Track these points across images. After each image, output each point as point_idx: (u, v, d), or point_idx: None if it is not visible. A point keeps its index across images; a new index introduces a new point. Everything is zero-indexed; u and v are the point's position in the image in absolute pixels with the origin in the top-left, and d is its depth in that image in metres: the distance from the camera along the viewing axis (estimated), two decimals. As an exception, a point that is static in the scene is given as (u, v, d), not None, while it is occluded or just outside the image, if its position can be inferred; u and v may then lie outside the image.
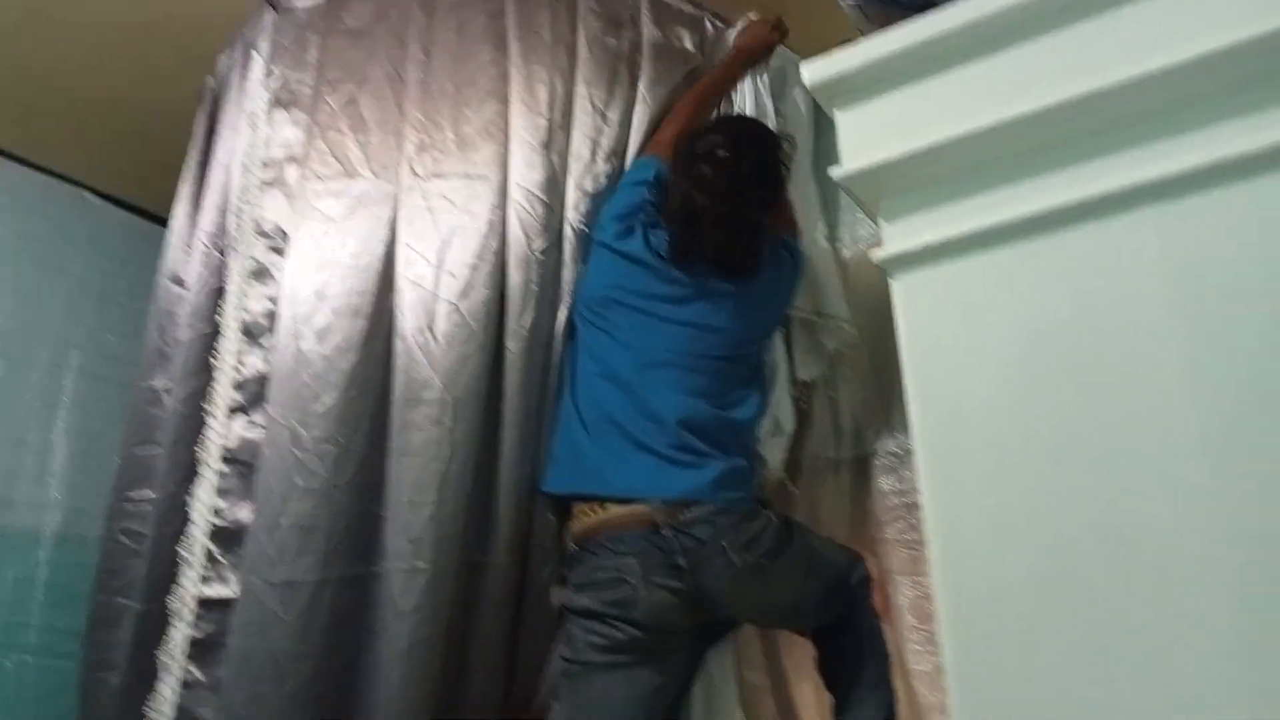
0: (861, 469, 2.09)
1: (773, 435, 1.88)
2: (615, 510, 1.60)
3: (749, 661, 2.05)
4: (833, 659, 1.71)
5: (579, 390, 1.75)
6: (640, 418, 1.65)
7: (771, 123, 2.10)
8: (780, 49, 2.19)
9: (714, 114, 2.05)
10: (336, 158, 1.90)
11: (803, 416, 2.12)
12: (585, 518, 1.63)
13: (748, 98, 2.14)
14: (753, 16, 2.22)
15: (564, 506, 1.72)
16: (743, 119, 2.00)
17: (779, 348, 1.96)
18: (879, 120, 0.91)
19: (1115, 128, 0.79)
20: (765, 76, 2.16)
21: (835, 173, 0.94)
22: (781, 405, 1.91)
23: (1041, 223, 0.81)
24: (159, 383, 2.02)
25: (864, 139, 0.91)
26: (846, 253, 2.06)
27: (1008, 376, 0.82)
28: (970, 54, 0.86)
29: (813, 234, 2.08)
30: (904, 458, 1.87)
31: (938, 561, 0.82)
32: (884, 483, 1.95)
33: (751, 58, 2.14)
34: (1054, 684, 0.75)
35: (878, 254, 0.90)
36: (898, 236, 0.89)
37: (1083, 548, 0.75)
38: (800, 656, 2.01)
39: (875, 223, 0.91)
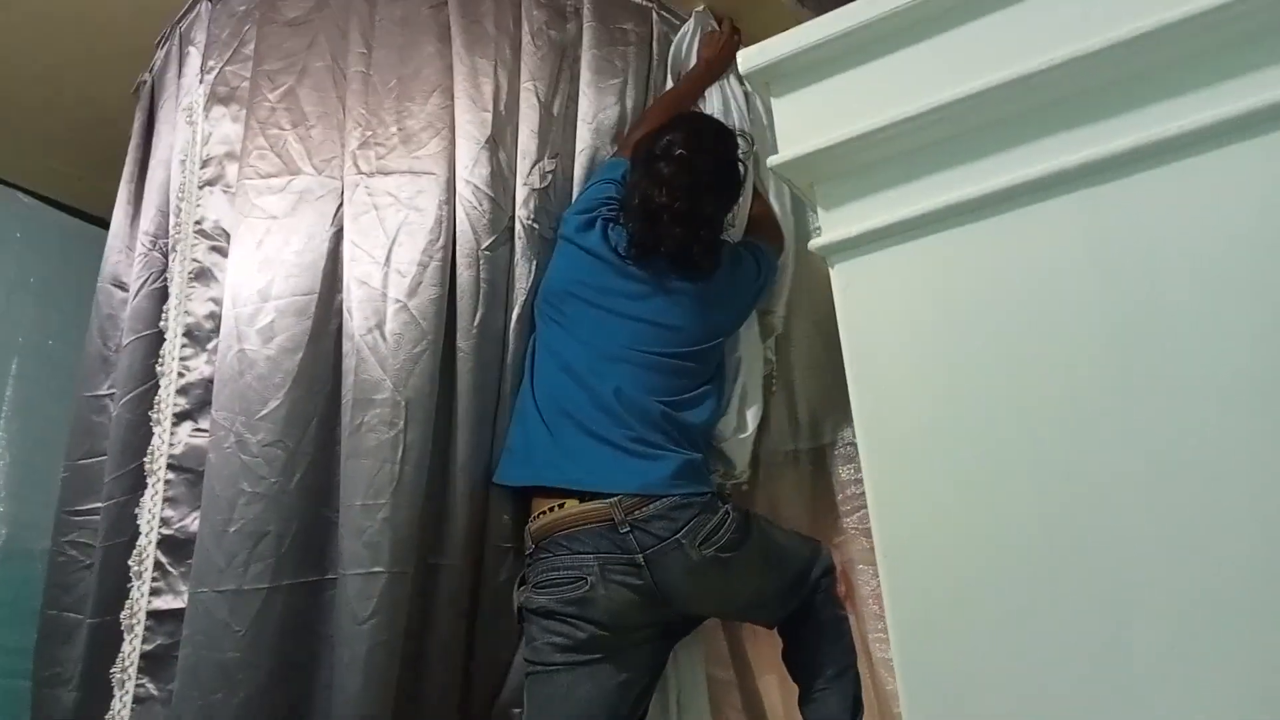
0: (820, 459, 2.09)
1: (736, 433, 1.87)
2: (572, 508, 1.58)
3: (714, 656, 2.04)
4: (797, 650, 1.71)
5: (536, 382, 1.74)
6: (596, 410, 1.64)
7: (745, 127, 2.09)
8: None
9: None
10: (277, 154, 1.86)
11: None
12: (543, 516, 1.61)
13: (715, 103, 2.11)
14: (704, 16, 2.20)
15: (522, 506, 1.70)
16: (700, 116, 2.00)
17: (751, 346, 1.95)
18: (813, 107, 0.90)
19: (1042, 112, 0.80)
20: (734, 83, 2.13)
21: (771, 160, 0.93)
22: (748, 403, 1.90)
23: (973, 207, 0.81)
24: (102, 390, 1.98)
25: (799, 126, 0.90)
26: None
27: (943, 359, 0.82)
28: (900, 40, 0.85)
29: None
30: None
31: (880, 542, 0.83)
32: (843, 472, 1.96)
33: (721, 66, 2.14)
34: (995, 667, 0.76)
35: (815, 242, 0.89)
36: (834, 224, 0.89)
37: (1016, 526, 0.76)
38: (765, 650, 2.01)
39: (813, 210, 0.90)
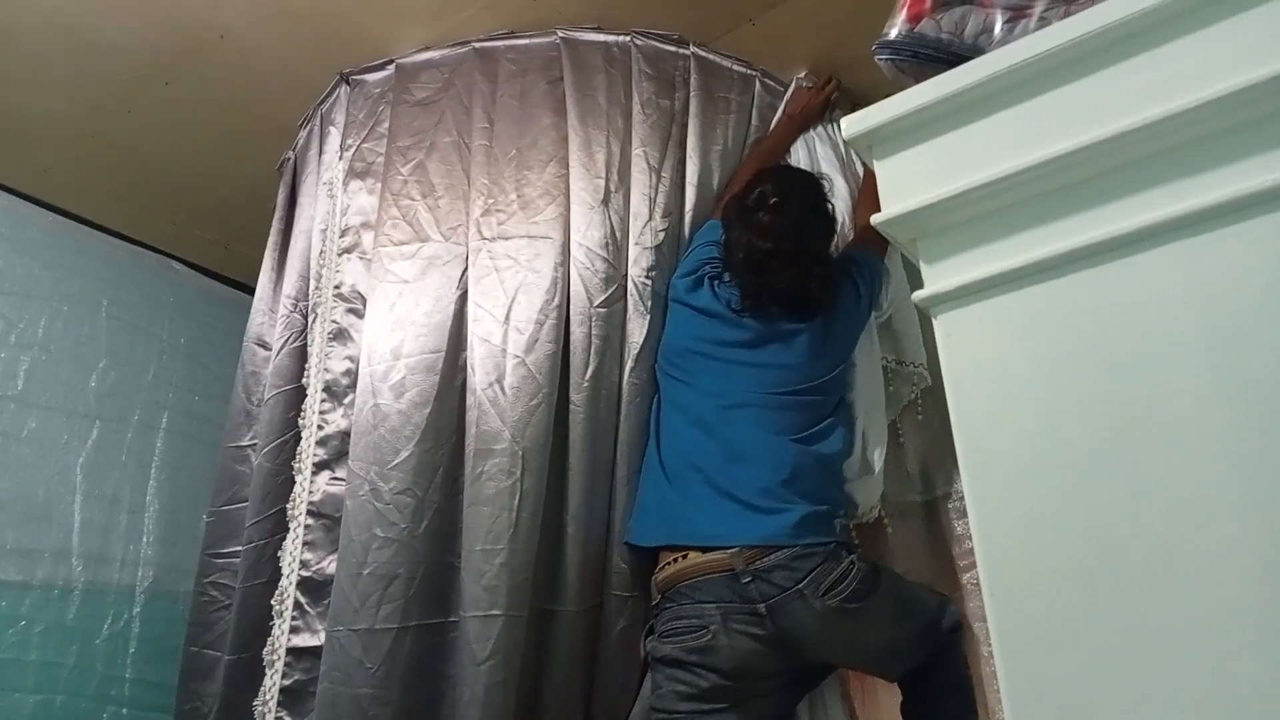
0: (934, 513, 2.09)
1: (861, 475, 1.89)
2: (694, 558, 1.61)
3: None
4: (917, 703, 1.69)
5: (663, 439, 1.79)
6: (724, 462, 1.67)
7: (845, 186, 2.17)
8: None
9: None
10: (408, 222, 2.00)
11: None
12: (668, 567, 1.64)
13: (807, 159, 2.20)
14: (803, 81, 2.28)
15: (642, 556, 1.75)
16: (782, 166, 2.09)
17: (870, 385, 1.97)
18: (914, 167, 0.95)
19: (1138, 166, 0.83)
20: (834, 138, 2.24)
21: (875, 219, 0.99)
22: (872, 443, 1.92)
23: (1071, 259, 0.85)
24: (245, 441, 2.13)
25: (901, 185, 0.96)
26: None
27: (1043, 405, 0.85)
28: (996, 104, 0.90)
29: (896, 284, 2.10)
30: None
31: (987, 586, 0.85)
32: (959, 526, 1.95)
33: (804, 122, 2.24)
34: (1102, 703, 0.78)
35: (919, 295, 0.94)
36: (936, 277, 0.93)
37: (1119, 566, 0.79)
38: (876, 708, 1.99)
39: (916, 265, 0.96)
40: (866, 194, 2.04)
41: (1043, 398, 0.84)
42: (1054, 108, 0.86)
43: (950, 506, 2.05)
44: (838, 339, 1.86)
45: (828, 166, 2.18)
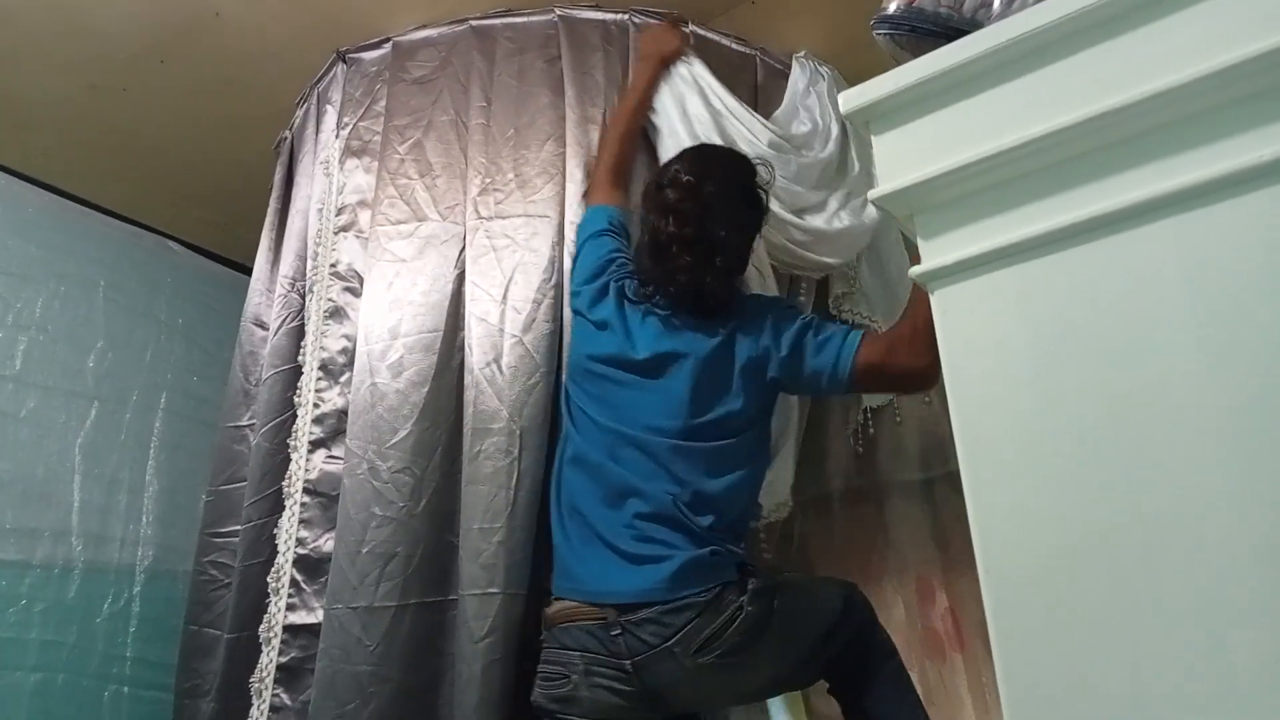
0: (932, 492, 2.10)
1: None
2: (571, 601, 1.52)
3: (819, 690, 2.04)
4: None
5: (558, 478, 1.65)
6: (605, 507, 1.53)
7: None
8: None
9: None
10: (405, 202, 1.99)
11: (870, 440, 2.16)
12: (554, 603, 1.55)
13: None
14: (801, 57, 2.26)
15: None
16: (708, 144, 1.87)
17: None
18: (912, 142, 0.95)
19: (1136, 141, 0.83)
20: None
21: (872, 194, 0.98)
22: (775, 433, 1.79)
23: (1068, 234, 0.85)
24: (243, 420, 2.14)
25: (898, 160, 0.96)
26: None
27: (1039, 380, 0.85)
28: (995, 77, 0.90)
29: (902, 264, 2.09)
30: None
31: (983, 561, 0.86)
32: (957, 505, 1.96)
33: (663, 60, 2.02)
34: (1096, 674, 0.78)
35: (915, 270, 0.94)
36: (933, 252, 0.93)
37: (1114, 540, 0.79)
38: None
39: (913, 240, 0.96)
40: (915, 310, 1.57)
41: (1039, 374, 0.84)
42: (1052, 82, 0.85)
43: (950, 486, 2.06)
44: (739, 380, 1.60)
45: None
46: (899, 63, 0.97)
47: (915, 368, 1.48)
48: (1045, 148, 0.84)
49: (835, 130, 2.18)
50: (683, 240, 1.60)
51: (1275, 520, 0.71)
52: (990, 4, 0.96)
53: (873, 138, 0.98)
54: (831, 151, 2.14)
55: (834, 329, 1.61)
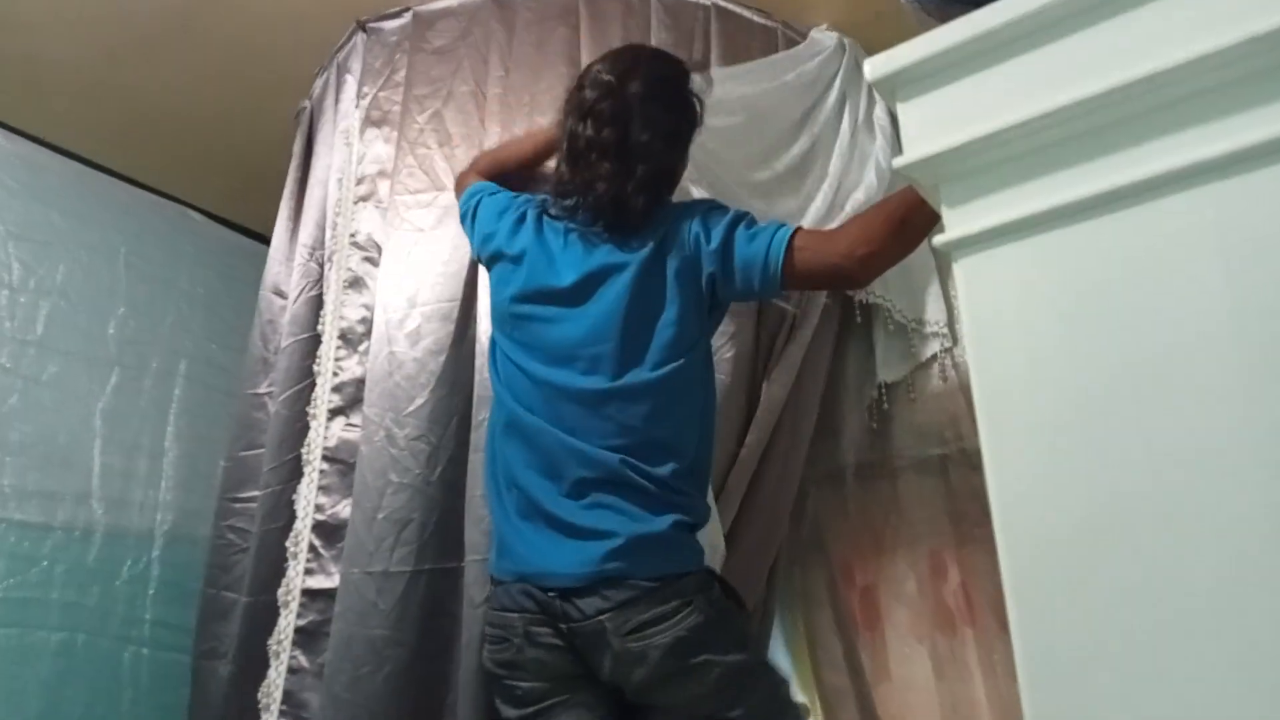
0: (947, 468, 2.10)
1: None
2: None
3: (829, 662, 2.04)
4: None
5: (491, 450, 1.55)
6: (542, 476, 1.43)
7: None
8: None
9: None
10: (424, 171, 2.00)
11: (885, 416, 2.15)
12: None
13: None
14: (822, 29, 2.23)
15: None
16: (636, 44, 1.77)
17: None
18: (938, 110, 0.94)
19: (1171, 109, 0.81)
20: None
21: (897, 162, 0.98)
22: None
23: (1098, 203, 0.84)
24: (262, 388, 2.15)
25: (924, 129, 0.95)
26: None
27: (1065, 354, 0.85)
28: (1023, 44, 0.89)
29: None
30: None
31: (1000, 533, 0.85)
32: (973, 481, 1.95)
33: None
34: (1115, 647, 0.78)
35: (939, 239, 0.94)
36: (958, 221, 0.92)
37: (1137, 511, 0.79)
38: (880, 656, 2.01)
39: (938, 210, 0.95)
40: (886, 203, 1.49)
41: (1065, 344, 0.84)
42: (1085, 48, 0.84)
43: (969, 462, 2.06)
44: (686, 278, 1.46)
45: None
46: (925, 31, 0.96)
47: (855, 254, 1.38)
48: (1077, 114, 0.83)
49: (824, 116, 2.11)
50: (601, 145, 1.48)
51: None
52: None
53: (899, 105, 0.97)
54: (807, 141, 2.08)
55: (768, 223, 1.49)
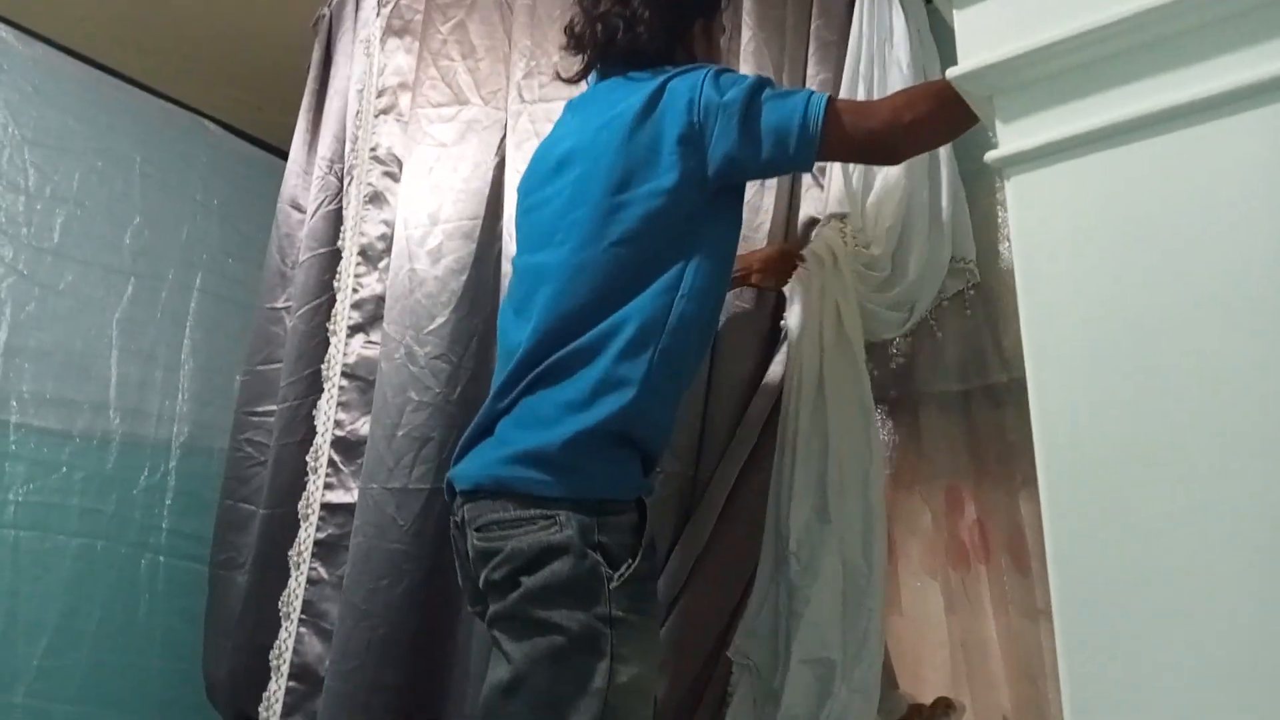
0: (969, 404, 2.08)
1: None
2: None
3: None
4: None
5: None
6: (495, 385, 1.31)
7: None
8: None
9: None
10: (447, 84, 1.95)
11: (908, 352, 2.13)
12: None
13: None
14: None
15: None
16: None
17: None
18: (996, 18, 0.90)
19: (1223, 27, 0.78)
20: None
21: (951, 72, 0.93)
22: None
23: (1150, 121, 0.80)
24: (280, 302, 2.14)
25: (979, 38, 0.91)
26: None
27: (1115, 279, 0.82)
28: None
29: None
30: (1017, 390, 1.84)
31: (1041, 450, 0.83)
32: (997, 416, 1.93)
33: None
34: (1153, 570, 0.77)
35: (992, 154, 0.90)
36: (1011, 137, 0.89)
37: (1177, 439, 0.77)
38: (895, 590, 2.01)
39: (990, 127, 0.91)
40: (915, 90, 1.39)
41: (1116, 267, 0.81)
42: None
43: (992, 398, 2.03)
44: (690, 137, 1.27)
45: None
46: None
47: (900, 120, 1.27)
48: (1137, 26, 0.79)
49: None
50: (595, 5, 1.43)
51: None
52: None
53: (955, 12, 0.93)
54: None
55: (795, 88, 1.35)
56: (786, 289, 1.66)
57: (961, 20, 0.93)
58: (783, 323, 1.62)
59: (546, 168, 1.39)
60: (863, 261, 1.70)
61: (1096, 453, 0.80)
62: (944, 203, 1.91)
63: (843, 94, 1.86)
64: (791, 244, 1.69)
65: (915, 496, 2.13)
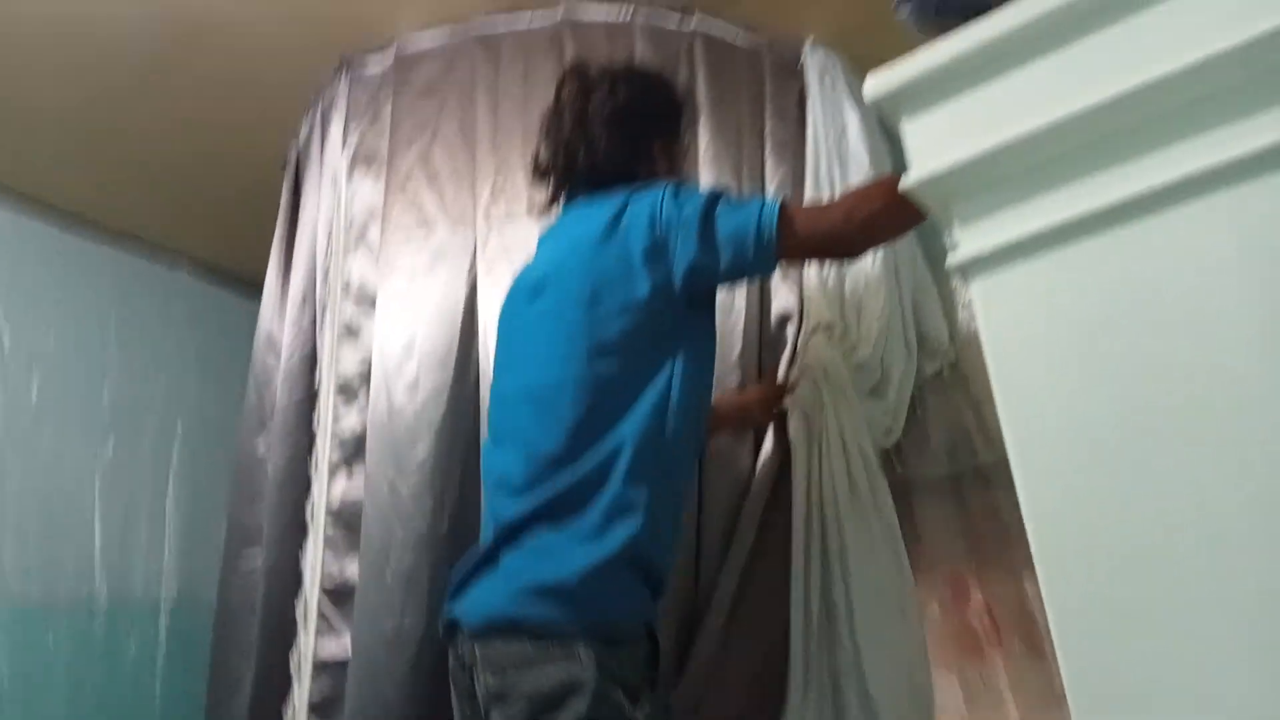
0: (960, 488, 2.05)
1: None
2: None
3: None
4: None
5: None
6: (492, 486, 1.35)
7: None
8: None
9: None
10: (415, 212, 1.96)
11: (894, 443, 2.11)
12: None
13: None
14: (811, 43, 2.16)
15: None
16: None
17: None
18: (944, 126, 0.90)
19: (1180, 114, 0.78)
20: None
21: (904, 183, 0.93)
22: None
23: (1114, 213, 0.80)
24: (260, 445, 2.10)
25: (931, 145, 0.91)
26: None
27: (1090, 368, 0.81)
28: (1033, 52, 0.85)
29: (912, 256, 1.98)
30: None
31: (1037, 551, 0.81)
32: (989, 499, 1.91)
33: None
34: (1163, 666, 0.74)
35: (953, 259, 0.89)
36: (972, 239, 0.88)
37: (1174, 526, 0.75)
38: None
39: (949, 230, 0.91)
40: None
41: (1090, 361, 0.80)
42: (1095, 54, 0.80)
43: (985, 480, 2.01)
44: (654, 251, 1.30)
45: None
46: (922, 43, 0.92)
47: (855, 217, 1.28)
48: (1087, 123, 0.79)
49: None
50: (562, 123, 1.51)
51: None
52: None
53: (902, 124, 0.93)
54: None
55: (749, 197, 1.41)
56: (787, 402, 1.66)
57: (909, 131, 0.93)
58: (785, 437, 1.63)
59: (522, 297, 1.41)
60: (852, 365, 1.71)
61: (1092, 547, 0.78)
62: (906, 290, 1.92)
63: (807, 191, 1.88)
64: (767, 384, 1.71)
65: (920, 588, 2.09)
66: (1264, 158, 0.74)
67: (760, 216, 1.28)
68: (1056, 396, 0.82)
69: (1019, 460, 0.84)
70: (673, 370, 1.30)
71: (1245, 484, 0.71)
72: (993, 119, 0.84)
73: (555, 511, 1.19)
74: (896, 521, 1.68)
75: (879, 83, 0.93)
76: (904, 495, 2.12)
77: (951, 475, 2.08)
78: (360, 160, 2.09)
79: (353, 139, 2.12)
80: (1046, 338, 0.83)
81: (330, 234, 2.07)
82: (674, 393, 1.28)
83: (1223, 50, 0.74)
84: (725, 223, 1.29)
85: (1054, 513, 0.80)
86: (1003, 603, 2.04)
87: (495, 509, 1.29)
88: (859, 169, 1.89)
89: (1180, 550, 0.72)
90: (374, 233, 2.00)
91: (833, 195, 1.84)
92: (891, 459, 2.09)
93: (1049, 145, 0.82)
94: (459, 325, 1.81)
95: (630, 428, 1.23)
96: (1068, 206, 0.82)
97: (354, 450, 1.83)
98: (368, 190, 2.06)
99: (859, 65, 2.19)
